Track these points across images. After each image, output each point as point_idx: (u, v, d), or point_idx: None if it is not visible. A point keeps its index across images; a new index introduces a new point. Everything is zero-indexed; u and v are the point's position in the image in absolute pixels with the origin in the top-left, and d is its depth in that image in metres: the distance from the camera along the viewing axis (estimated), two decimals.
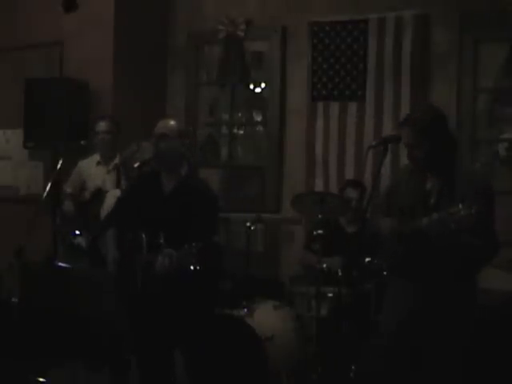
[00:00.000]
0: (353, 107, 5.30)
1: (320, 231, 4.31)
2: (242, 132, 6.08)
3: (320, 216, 4.34)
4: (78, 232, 4.76)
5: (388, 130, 5.08)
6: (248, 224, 4.60)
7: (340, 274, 4.33)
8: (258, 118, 6.03)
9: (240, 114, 6.04)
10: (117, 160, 4.81)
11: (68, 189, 5.03)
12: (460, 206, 2.87)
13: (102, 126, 4.93)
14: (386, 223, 3.29)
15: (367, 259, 4.28)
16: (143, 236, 3.49)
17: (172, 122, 3.66)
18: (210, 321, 3.86)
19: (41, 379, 4.19)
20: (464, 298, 3.18)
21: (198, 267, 3.25)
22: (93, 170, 4.96)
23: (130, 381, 3.99)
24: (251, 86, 5.94)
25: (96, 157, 5.00)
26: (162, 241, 3.40)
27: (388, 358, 3.26)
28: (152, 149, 3.63)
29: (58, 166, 4.33)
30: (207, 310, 3.78)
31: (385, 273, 4.15)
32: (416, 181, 3.28)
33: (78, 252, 4.73)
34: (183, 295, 3.50)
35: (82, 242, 4.72)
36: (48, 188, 4.27)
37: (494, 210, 3.16)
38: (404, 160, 4.89)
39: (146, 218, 3.55)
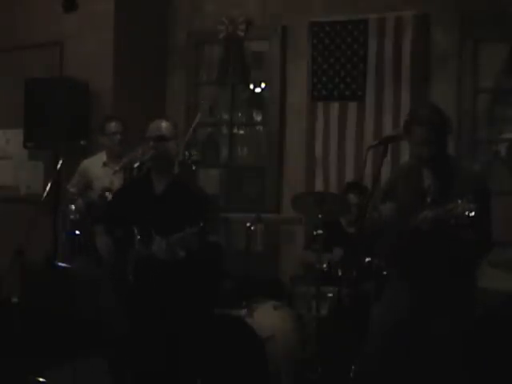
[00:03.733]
0: (353, 107, 5.30)
1: (320, 231, 4.31)
2: (242, 132, 6.08)
3: (320, 216, 4.34)
4: (77, 232, 4.76)
5: (388, 129, 5.07)
6: (248, 224, 4.59)
7: (340, 273, 4.34)
8: (258, 118, 6.03)
9: (240, 114, 6.04)
10: (124, 160, 4.79)
11: (72, 188, 5.00)
12: (459, 201, 2.89)
13: (113, 126, 4.87)
14: (386, 207, 3.28)
15: (367, 259, 4.28)
16: (135, 232, 3.51)
17: (165, 124, 3.68)
18: (209, 320, 3.87)
19: (41, 379, 4.19)
20: (462, 295, 3.18)
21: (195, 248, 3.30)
22: (99, 171, 4.92)
23: (129, 379, 3.99)
24: (251, 86, 5.95)
25: (102, 156, 4.94)
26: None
27: (386, 357, 3.26)
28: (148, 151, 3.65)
29: (58, 166, 4.32)
30: (206, 309, 3.79)
31: (385, 273, 4.17)
32: (413, 179, 3.29)
33: (73, 252, 4.73)
34: (177, 290, 3.51)
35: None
36: (48, 188, 4.27)
37: (490, 208, 3.17)
38: (404, 160, 4.92)
39: (138, 219, 3.55)
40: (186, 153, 4.39)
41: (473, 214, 2.84)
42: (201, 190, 3.80)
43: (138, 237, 3.51)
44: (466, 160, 4.77)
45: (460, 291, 3.17)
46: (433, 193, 3.19)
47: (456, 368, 3.17)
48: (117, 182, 4.71)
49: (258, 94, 5.98)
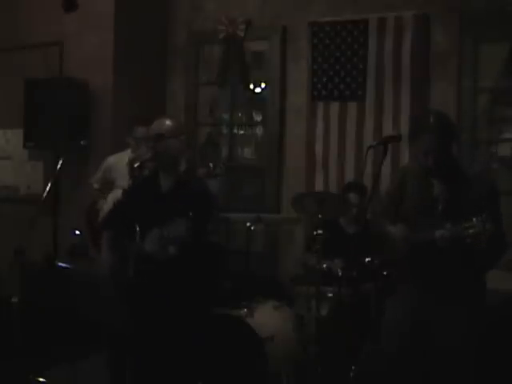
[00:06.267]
0: (353, 107, 5.30)
1: (320, 231, 4.30)
2: (242, 132, 6.08)
3: (320, 216, 4.34)
4: (77, 232, 4.75)
5: (388, 130, 5.07)
6: (248, 224, 4.59)
7: (340, 273, 4.33)
8: (258, 118, 6.03)
9: (240, 114, 6.04)
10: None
11: (95, 184, 5.00)
12: (474, 220, 2.85)
13: (142, 131, 4.72)
14: (394, 231, 3.24)
15: (367, 259, 4.28)
16: (137, 228, 3.51)
17: (167, 122, 3.68)
18: (209, 320, 3.87)
19: (41, 379, 4.19)
20: (473, 299, 3.17)
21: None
22: (124, 169, 4.89)
23: (129, 379, 3.99)
24: (251, 86, 5.94)
25: (126, 156, 4.88)
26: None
27: (392, 359, 3.25)
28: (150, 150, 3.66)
29: (58, 166, 4.32)
30: (205, 310, 3.79)
31: (385, 273, 4.17)
32: (423, 186, 3.24)
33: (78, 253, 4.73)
34: (176, 290, 3.51)
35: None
36: (48, 188, 4.27)
37: (501, 211, 3.15)
38: (404, 160, 4.92)
39: (143, 217, 3.55)
40: (211, 164, 4.38)
41: (490, 233, 2.81)
42: (207, 188, 3.79)
43: (138, 234, 3.52)
44: (466, 160, 4.76)
45: (475, 295, 3.17)
46: (443, 201, 3.16)
47: (465, 371, 3.16)
48: None
49: (258, 93, 5.98)
